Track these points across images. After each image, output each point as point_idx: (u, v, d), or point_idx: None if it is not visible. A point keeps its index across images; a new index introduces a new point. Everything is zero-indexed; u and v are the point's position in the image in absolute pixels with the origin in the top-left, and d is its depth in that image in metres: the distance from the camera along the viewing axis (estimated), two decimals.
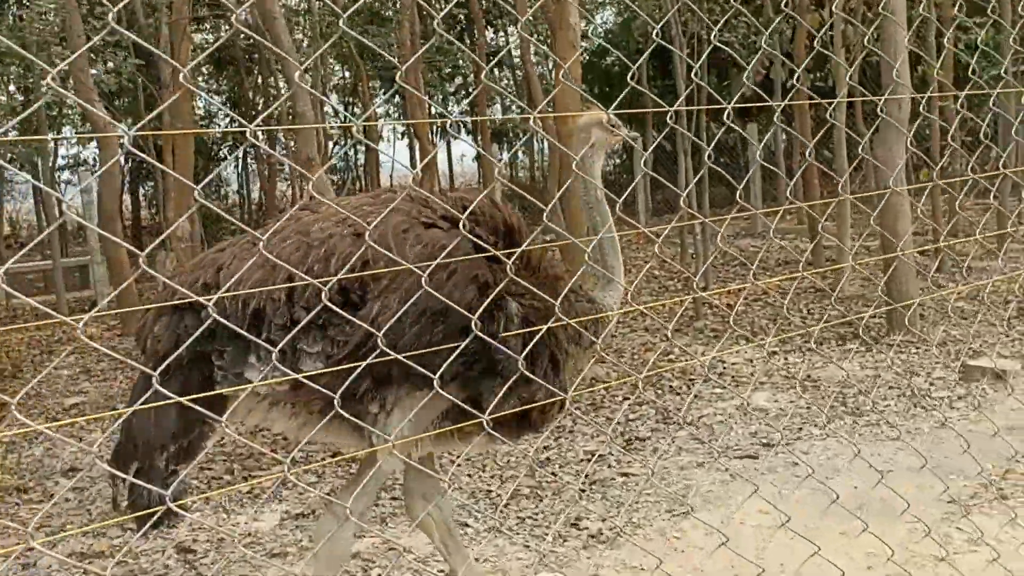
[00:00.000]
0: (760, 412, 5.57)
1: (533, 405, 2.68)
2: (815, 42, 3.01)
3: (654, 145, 3.80)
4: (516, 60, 22.37)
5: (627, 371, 6.78)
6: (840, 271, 9.30)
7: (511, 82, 23.87)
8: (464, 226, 2.21)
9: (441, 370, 2.04)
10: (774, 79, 14.03)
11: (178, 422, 2.40)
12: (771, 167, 15.37)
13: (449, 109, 23.50)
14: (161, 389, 1.65)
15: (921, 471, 4.34)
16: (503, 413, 2.44)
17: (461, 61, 23.24)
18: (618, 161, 24.96)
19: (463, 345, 2.24)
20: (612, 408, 5.99)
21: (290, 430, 2.69)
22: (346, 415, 2.00)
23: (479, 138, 17.71)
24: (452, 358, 2.17)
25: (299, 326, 2.33)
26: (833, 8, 8.99)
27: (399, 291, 2.44)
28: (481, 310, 2.17)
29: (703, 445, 5.10)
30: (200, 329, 2.23)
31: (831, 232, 12.84)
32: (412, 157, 19.91)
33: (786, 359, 6.83)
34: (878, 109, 5.03)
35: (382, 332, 2.06)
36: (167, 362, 2.37)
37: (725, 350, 7.26)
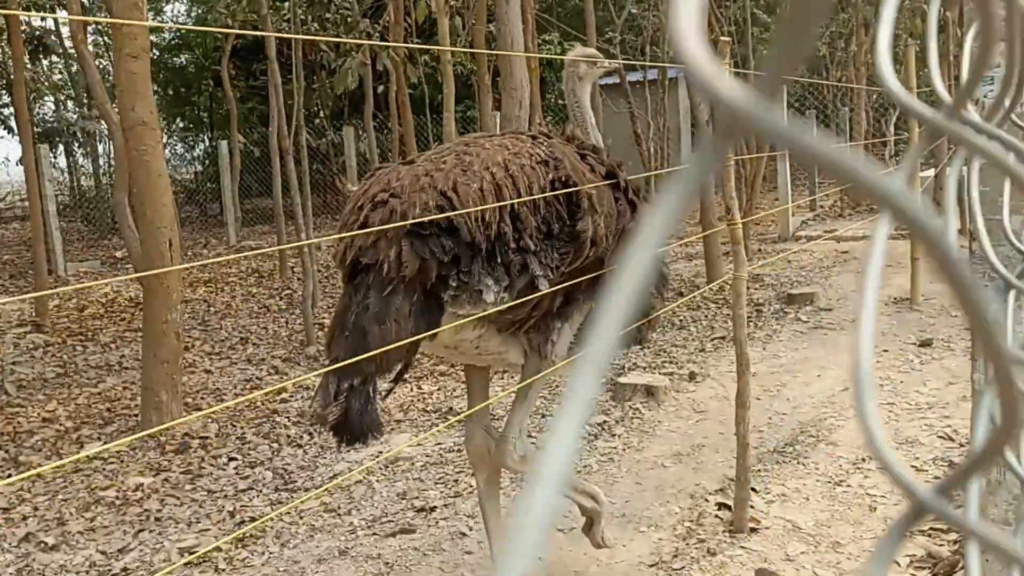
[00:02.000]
0: (405, 462, 4.55)
1: (650, 318, 3.03)
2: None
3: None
4: (71, 51, 19.22)
5: (230, 420, 5.40)
6: None
7: (64, 75, 20.60)
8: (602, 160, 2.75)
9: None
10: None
11: (403, 337, 2.44)
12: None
13: None
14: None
15: (623, 522, 3.63)
16: (637, 324, 2.82)
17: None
18: (200, 168, 22.77)
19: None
20: (215, 475, 4.60)
21: (490, 346, 2.77)
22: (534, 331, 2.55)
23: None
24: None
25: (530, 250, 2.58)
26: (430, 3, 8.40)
27: (601, 213, 2.62)
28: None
29: (341, 520, 3.94)
30: (446, 252, 2.45)
31: None
32: None
33: (419, 387, 5.91)
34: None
35: (599, 245, 2.46)
36: (392, 285, 2.43)
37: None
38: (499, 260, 2.54)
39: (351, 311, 2.51)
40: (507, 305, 2.58)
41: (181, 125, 24.92)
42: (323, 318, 8.35)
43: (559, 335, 2.79)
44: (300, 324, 7.89)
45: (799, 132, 0.20)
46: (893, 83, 0.37)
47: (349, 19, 12.77)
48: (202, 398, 5.97)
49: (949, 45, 8.32)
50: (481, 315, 2.59)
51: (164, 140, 24.93)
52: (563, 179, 2.62)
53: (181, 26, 19.96)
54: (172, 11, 22.56)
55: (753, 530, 3.51)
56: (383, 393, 2.68)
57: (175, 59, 23.82)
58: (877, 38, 0.38)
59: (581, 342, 2.77)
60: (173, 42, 23.99)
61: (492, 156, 2.65)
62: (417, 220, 2.47)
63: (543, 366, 2.82)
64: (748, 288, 6.08)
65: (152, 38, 23.76)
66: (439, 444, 4.77)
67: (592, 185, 2.64)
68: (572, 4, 18.37)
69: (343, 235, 2.60)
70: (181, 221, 21.06)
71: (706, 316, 7.35)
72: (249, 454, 4.83)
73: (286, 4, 12.72)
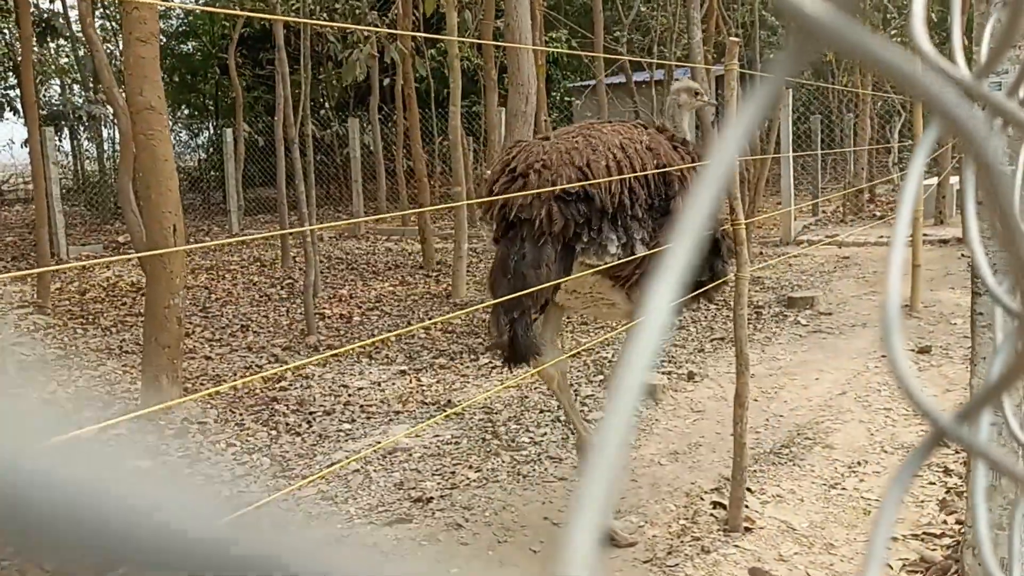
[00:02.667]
0: (402, 453, 4.57)
1: (719, 283, 3.54)
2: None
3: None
4: (78, 34, 19.23)
5: (229, 407, 5.42)
6: (458, 276, 8.70)
7: (71, 58, 20.60)
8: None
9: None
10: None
11: (552, 280, 3.03)
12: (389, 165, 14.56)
13: None
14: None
15: (618, 518, 3.64)
16: (712, 285, 3.44)
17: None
18: (204, 156, 22.77)
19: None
20: (212, 460, 4.62)
21: (601, 292, 3.33)
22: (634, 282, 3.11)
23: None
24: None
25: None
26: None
27: (688, 190, 3.01)
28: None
29: (338, 508, 3.96)
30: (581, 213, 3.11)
31: (443, 235, 12.40)
32: None
33: (418, 380, 5.93)
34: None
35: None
36: (542, 237, 3.07)
37: (347, 372, 6.18)
38: (619, 223, 3.12)
39: (511, 258, 3.16)
40: (619, 262, 3.16)
41: (186, 112, 24.94)
42: (323, 308, 8.38)
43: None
44: (301, 313, 7.91)
45: (864, 37, 0.22)
46: (927, 46, 0.39)
47: (357, 11, 12.78)
48: (202, 384, 5.99)
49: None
50: (602, 267, 3.16)
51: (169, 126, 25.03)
52: (663, 163, 3.23)
53: (194, 7, 19.92)
54: None
55: (747, 529, 3.52)
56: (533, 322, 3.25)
57: (182, 46, 23.82)
58: (913, 4, 0.39)
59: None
60: (180, 29, 24.01)
61: (611, 139, 3.25)
62: (564, 187, 3.09)
63: (639, 315, 3.43)
64: (748, 290, 6.10)
65: (159, 24, 23.82)
66: (437, 436, 4.79)
67: (683, 166, 3.28)
68: (580, 2, 18.35)
69: (493, 198, 3.25)
70: (184, 208, 21.08)
71: (705, 317, 7.36)
72: (248, 441, 4.85)
73: None
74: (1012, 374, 0.31)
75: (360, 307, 8.51)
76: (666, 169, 3.24)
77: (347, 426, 5.03)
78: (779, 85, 0.24)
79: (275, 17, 7.59)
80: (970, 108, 0.25)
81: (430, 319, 7.73)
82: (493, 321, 3.20)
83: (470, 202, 8.39)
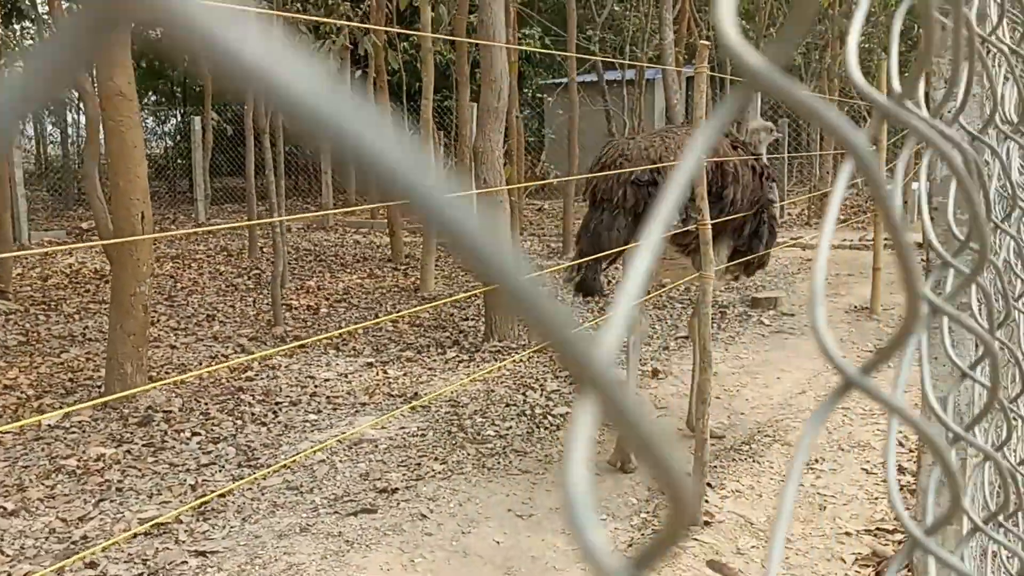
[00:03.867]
0: (368, 444, 4.59)
1: (761, 254, 4.51)
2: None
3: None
4: (45, 16, 18.93)
5: (194, 395, 5.41)
6: (427, 270, 8.72)
7: (37, 41, 20.24)
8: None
9: (745, 231, 4.22)
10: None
11: (620, 241, 3.97)
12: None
13: None
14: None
15: None
16: (755, 255, 4.41)
17: None
18: (170, 144, 22.52)
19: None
20: (177, 448, 4.61)
21: (670, 254, 4.20)
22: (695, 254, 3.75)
23: None
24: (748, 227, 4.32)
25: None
26: None
27: (740, 184, 4.10)
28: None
29: (303, 497, 3.98)
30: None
31: (411, 228, 12.39)
32: None
33: (385, 372, 5.95)
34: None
35: (736, 206, 3.94)
36: (613, 209, 4.07)
37: (314, 363, 6.19)
38: (681, 204, 4.08)
39: (592, 222, 4.10)
40: (681, 230, 3.91)
41: (153, 99, 24.64)
42: (291, 299, 8.36)
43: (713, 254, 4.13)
44: (268, 304, 7.88)
45: (795, 89, 0.27)
46: (856, 73, 0.43)
47: (330, 2, 12.73)
48: (167, 373, 5.96)
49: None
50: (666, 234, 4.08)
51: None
52: (719, 161, 4.02)
53: None
54: None
55: (706, 523, 3.60)
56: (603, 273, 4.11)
57: (149, 31, 23.53)
58: (848, 35, 0.44)
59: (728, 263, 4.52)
60: None
61: (681, 141, 4.11)
62: (638, 172, 4.00)
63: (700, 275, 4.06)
64: (714, 290, 6.18)
65: None
66: (403, 428, 4.82)
67: (736, 158, 4.11)
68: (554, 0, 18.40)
69: (591, 175, 4.20)
70: (149, 196, 20.85)
71: (671, 315, 7.45)
72: (213, 430, 4.85)
73: None
74: (903, 334, 0.36)
75: (328, 299, 8.50)
76: (720, 159, 4.05)
77: (313, 417, 5.04)
78: (727, 119, 0.29)
79: (245, 8, 7.53)
80: (863, 137, 0.29)
81: (398, 312, 7.75)
82: (569, 269, 4.17)
83: (505, 185, 8.41)
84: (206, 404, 5.25)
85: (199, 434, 4.79)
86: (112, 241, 4.97)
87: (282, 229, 9.38)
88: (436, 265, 9.11)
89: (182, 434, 4.79)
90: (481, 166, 6.77)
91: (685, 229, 3.89)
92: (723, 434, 4.64)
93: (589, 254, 4.00)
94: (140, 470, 4.31)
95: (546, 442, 4.59)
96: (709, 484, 3.84)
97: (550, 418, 4.91)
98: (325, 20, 10.27)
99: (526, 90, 18.88)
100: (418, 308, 5.71)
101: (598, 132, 15.29)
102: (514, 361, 5.97)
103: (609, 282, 5.72)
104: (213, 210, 16.60)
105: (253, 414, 5.10)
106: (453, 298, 6.56)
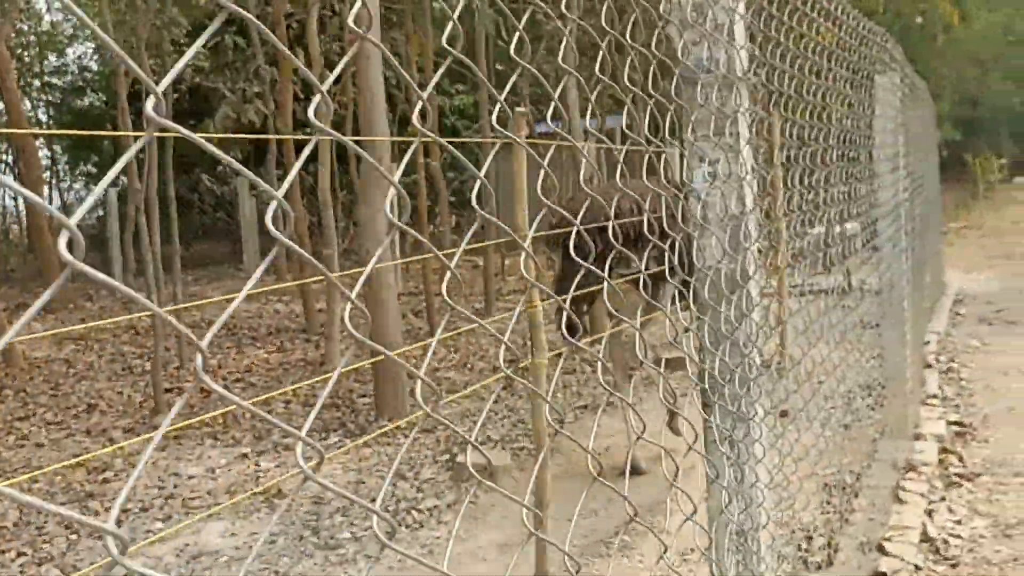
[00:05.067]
0: (209, 557, 4.16)
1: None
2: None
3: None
4: None
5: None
6: (331, 340, 8.32)
7: None
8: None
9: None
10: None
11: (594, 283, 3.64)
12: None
13: None
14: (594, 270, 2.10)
15: None
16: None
17: None
18: (101, 213, 21.97)
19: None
20: (2, 565, 4.15)
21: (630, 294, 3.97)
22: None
23: None
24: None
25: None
26: (310, 48, 8.15)
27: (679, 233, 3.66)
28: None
29: None
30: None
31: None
32: None
33: (257, 464, 5.52)
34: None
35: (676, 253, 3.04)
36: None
37: (185, 456, 5.75)
38: (638, 246, 3.96)
39: (575, 268, 4.26)
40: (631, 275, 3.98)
41: (86, 169, 24.14)
42: (186, 380, 7.91)
43: (662, 295, 4.19)
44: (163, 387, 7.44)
45: None
46: None
47: (248, 64, 12.47)
48: (19, 478, 5.48)
49: None
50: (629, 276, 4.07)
51: (68, 184, 24.25)
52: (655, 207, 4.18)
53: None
54: (74, 53, 21.90)
55: None
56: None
57: (79, 101, 23.10)
58: None
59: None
60: (77, 85, 23.30)
61: (641, 190, 4.48)
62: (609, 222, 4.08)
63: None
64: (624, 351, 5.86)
65: (55, 80, 23.06)
66: (253, 534, 4.39)
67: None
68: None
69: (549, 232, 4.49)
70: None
71: (579, 380, 7.12)
72: (41, 549, 4.39)
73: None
74: None
75: (226, 379, 8.06)
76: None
77: (159, 525, 4.60)
78: None
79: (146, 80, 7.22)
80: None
81: (293, 391, 7.34)
82: (558, 311, 4.74)
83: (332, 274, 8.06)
84: (44, 517, 4.78)
85: (25, 554, 4.33)
86: None
87: (177, 303, 8.95)
88: (343, 333, 8.71)
89: (6, 555, 4.33)
90: (366, 238, 6.45)
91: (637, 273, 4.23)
92: None
93: (573, 299, 4.28)
94: None
95: (404, 543, 4.19)
96: None
97: (414, 514, 4.51)
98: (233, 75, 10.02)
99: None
100: (290, 387, 5.33)
101: (532, 185, 15.08)
102: (396, 446, 5.59)
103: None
104: (140, 282, 16.07)
105: (117, 520, 4.63)
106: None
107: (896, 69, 4.86)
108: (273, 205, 0.80)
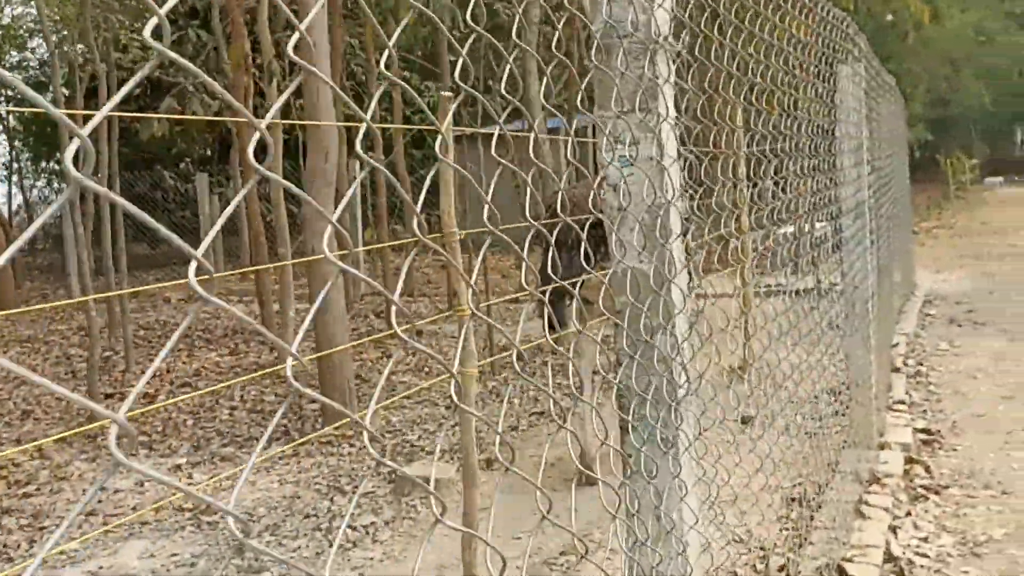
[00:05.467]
0: None
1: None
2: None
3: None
4: None
5: None
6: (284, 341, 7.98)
7: None
8: None
9: None
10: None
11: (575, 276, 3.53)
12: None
13: None
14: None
15: None
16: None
17: None
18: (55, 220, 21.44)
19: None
20: None
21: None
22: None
23: None
24: None
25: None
26: (261, 38, 7.83)
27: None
28: None
29: None
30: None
31: (298, 295, 11.64)
32: None
33: (189, 476, 5.21)
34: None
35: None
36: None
37: (118, 472, 5.40)
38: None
39: (546, 263, 4.19)
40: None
41: (49, 167, 23.60)
42: (130, 385, 7.56)
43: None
44: (102, 394, 7.09)
45: None
46: None
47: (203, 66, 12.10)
48: None
49: None
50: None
51: (32, 182, 23.75)
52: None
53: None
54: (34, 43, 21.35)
55: None
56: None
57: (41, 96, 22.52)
58: None
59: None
60: (39, 80, 22.73)
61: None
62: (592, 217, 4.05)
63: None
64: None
65: (17, 74, 22.51)
66: (174, 556, 4.08)
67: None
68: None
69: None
70: (44, 268, 19.71)
71: (536, 387, 6.84)
72: None
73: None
74: None
75: (172, 383, 7.72)
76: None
77: (74, 546, 4.27)
78: None
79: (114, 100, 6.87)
80: None
81: (240, 397, 7.02)
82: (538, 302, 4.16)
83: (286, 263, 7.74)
84: None
85: None
86: None
87: (124, 307, 8.61)
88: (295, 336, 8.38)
89: None
90: (311, 233, 6.16)
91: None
92: None
93: (556, 290, 4.48)
94: None
95: (333, 567, 3.89)
96: None
97: (348, 532, 4.21)
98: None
99: (429, 147, 18.40)
100: (225, 384, 5.02)
101: (506, 182, 14.81)
102: (338, 456, 5.29)
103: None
104: (99, 283, 15.63)
105: (4, 546, 4.31)
106: (254, 375, 5.87)
107: (860, 60, 4.63)
108: (329, 230, 0.88)
